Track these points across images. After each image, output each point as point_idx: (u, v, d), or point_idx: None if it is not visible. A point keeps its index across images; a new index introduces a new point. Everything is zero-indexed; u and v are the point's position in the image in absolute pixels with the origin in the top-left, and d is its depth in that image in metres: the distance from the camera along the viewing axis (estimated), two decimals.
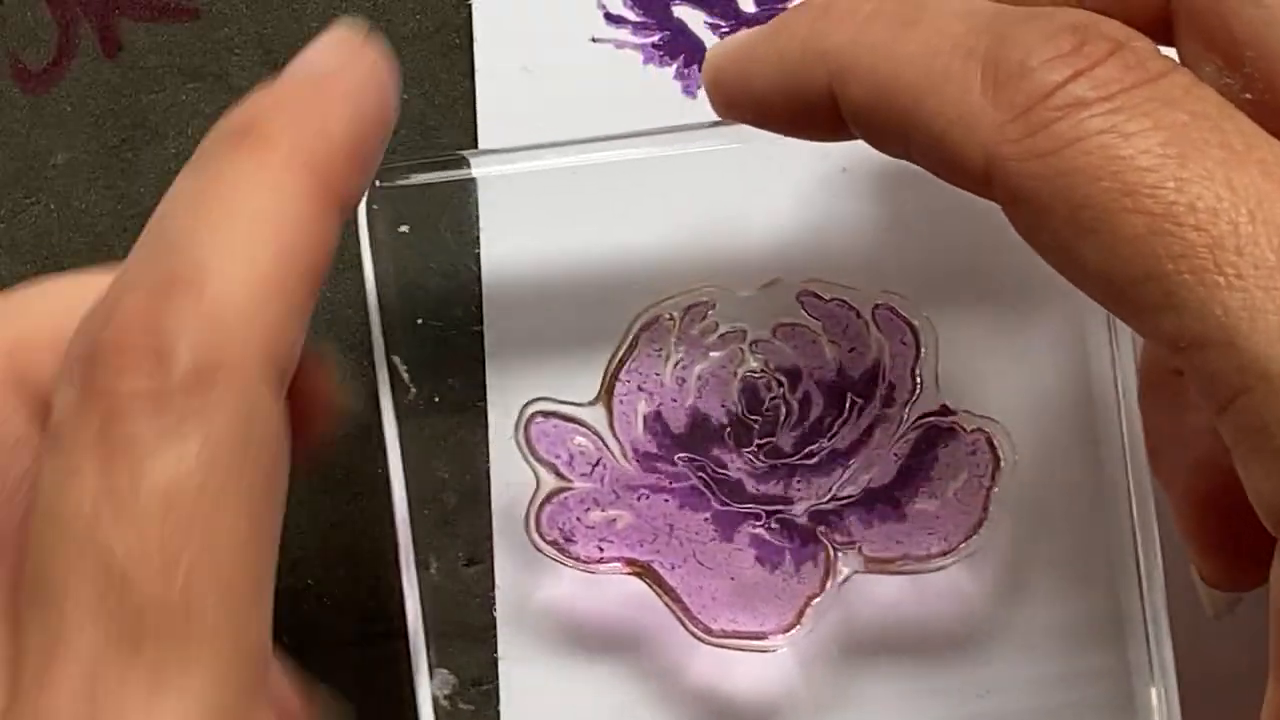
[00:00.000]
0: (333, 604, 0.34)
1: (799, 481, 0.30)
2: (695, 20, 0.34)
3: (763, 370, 0.30)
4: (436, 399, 0.31)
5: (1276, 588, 0.22)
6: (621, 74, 0.34)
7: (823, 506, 0.29)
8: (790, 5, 0.34)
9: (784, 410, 0.30)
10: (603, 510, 0.30)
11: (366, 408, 0.33)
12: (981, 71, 0.23)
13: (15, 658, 0.23)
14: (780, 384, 0.30)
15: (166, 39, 0.35)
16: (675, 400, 0.30)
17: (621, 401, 0.30)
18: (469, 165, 0.30)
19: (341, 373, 0.29)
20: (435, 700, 0.30)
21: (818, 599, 0.29)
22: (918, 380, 0.29)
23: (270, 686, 0.24)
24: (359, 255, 0.30)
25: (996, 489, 0.29)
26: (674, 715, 0.30)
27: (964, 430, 0.29)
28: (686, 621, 0.29)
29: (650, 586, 0.29)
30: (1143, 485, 0.29)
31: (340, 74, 0.26)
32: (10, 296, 0.27)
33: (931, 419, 0.29)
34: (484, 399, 0.31)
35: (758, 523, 0.30)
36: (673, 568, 0.29)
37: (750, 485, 0.30)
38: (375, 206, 0.30)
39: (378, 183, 0.30)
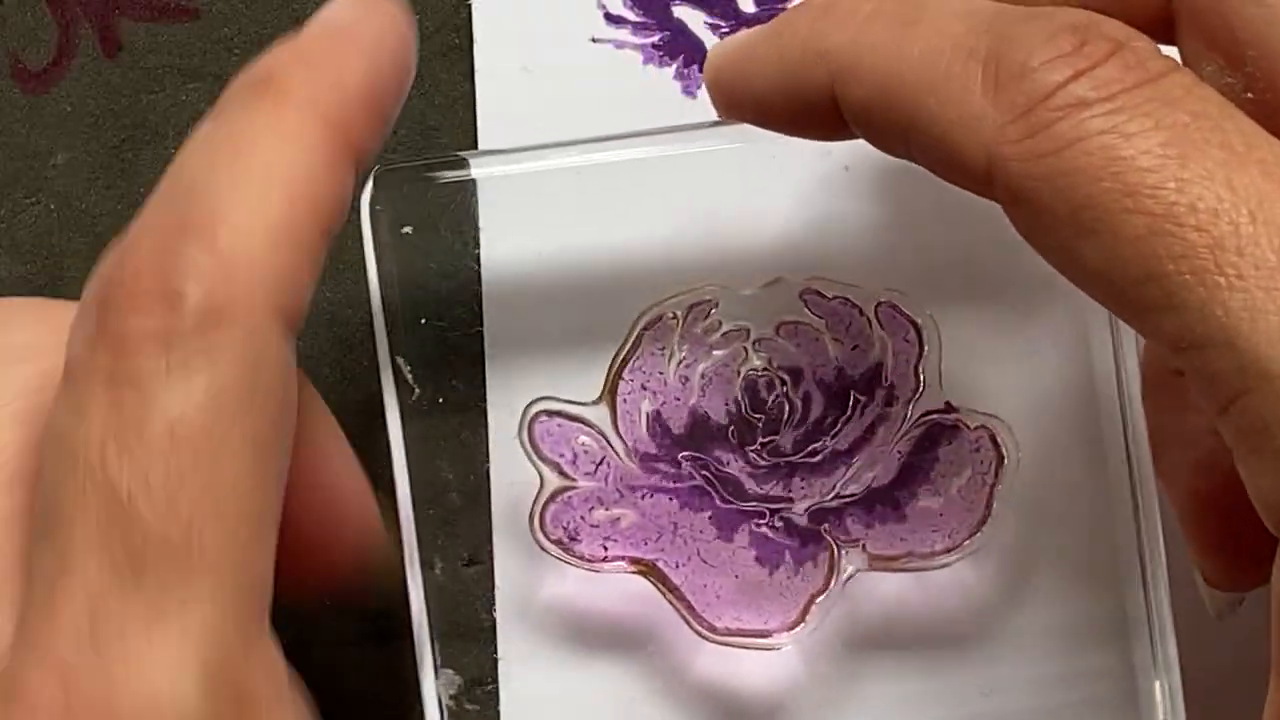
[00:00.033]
0: (334, 604, 0.34)
1: (802, 480, 0.30)
2: (695, 20, 0.35)
3: (766, 368, 0.30)
4: (440, 399, 0.31)
5: (1277, 587, 0.22)
6: (621, 74, 0.34)
7: (826, 504, 0.30)
8: (790, 5, 0.34)
9: (787, 408, 0.30)
10: (607, 509, 0.30)
11: (369, 408, 0.33)
12: (982, 72, 0.23)
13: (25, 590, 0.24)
14: (783, 382, 0.30)
15: (166, 39, 0.35)
16: (679, 399, 0.30)
17: (625, 400, 0.30)
18: (470, 166, 0.31)
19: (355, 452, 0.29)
20: (440, 700, 0.30)
21: (822, 597, 0.29)
22: (921, 378, 0.29)
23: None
24: (362, 256, 0.30)
25: (1000, 486, 0.29)
26: (677, 714, 0.30)
27: (967, 427, 0.29)
28: (691, 620, 0.29)
29: (655, 585, 0.30)
30: (1146, 482, 0.29)
31: (357, 26, 0.27)
32: None
33: (935, 416, 0.29)
34: (486, 399, 0.31)
35: (762, 521, 0.30)
36: (677, 566, 0.30)
37: (753, 483, 0.30)
38: (378, 207, 0.30)
39: (378, 183, 0.30)
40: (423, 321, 0.31)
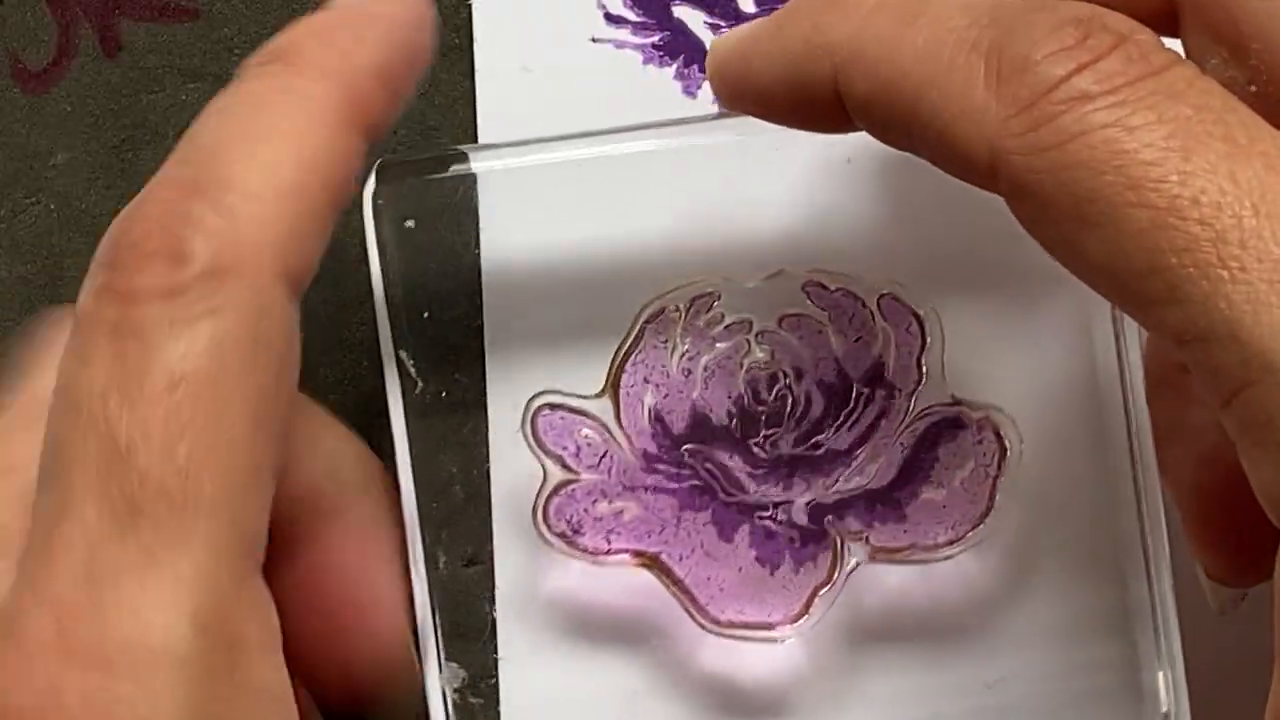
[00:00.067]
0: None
1: (805, 472, 0.30)
2: (695, 20, 0.35)
3: (769, 361, 0.30)
4: (443, 393, 0.31)
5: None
6: (621, 74, 0.34)
7: (829, 497, 0.30)
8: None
9: (790, 401, 0.30)
10: (610, 502, 0.30)
11: (370, 407, 0.33)
12: (985, 65, 0.23)
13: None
14: (786, 375, 0.30)
15: (166, 39, 0.35)
16: (681, 392, 0.30)
17: (628, 393, 0.30)
18: (471, 159, 0.31)
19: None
20: (444, 694, 0.30)
21: (825, 590, 0.29)
22: (923, 370, 0.29)
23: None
24: (361, 254, 0.30)
25: (1003, 478, 0.29)
26: (681, 707, 0.30)
27: (970, 419, 0.29)
28: (694, 612, 0.29)
29: (658, 578, 0.30)
30: (1149, 472, 0.29)
31: (374, 3, 0.27)
32: None
33: (937, 408, 0.29)
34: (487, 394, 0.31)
35: (765, 514, 0.30)
36: (680, 559, 0.30)
37: (756, 476, 0.30)
38: (380, 202, 0.30)
39: (381, 177, 0.30)
40: (426, 315, 0.31)
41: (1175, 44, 0.25)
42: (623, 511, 0.30)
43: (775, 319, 0.30)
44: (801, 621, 0.29)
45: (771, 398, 0.30)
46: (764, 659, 0.30)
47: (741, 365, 0.30)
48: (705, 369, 0.30)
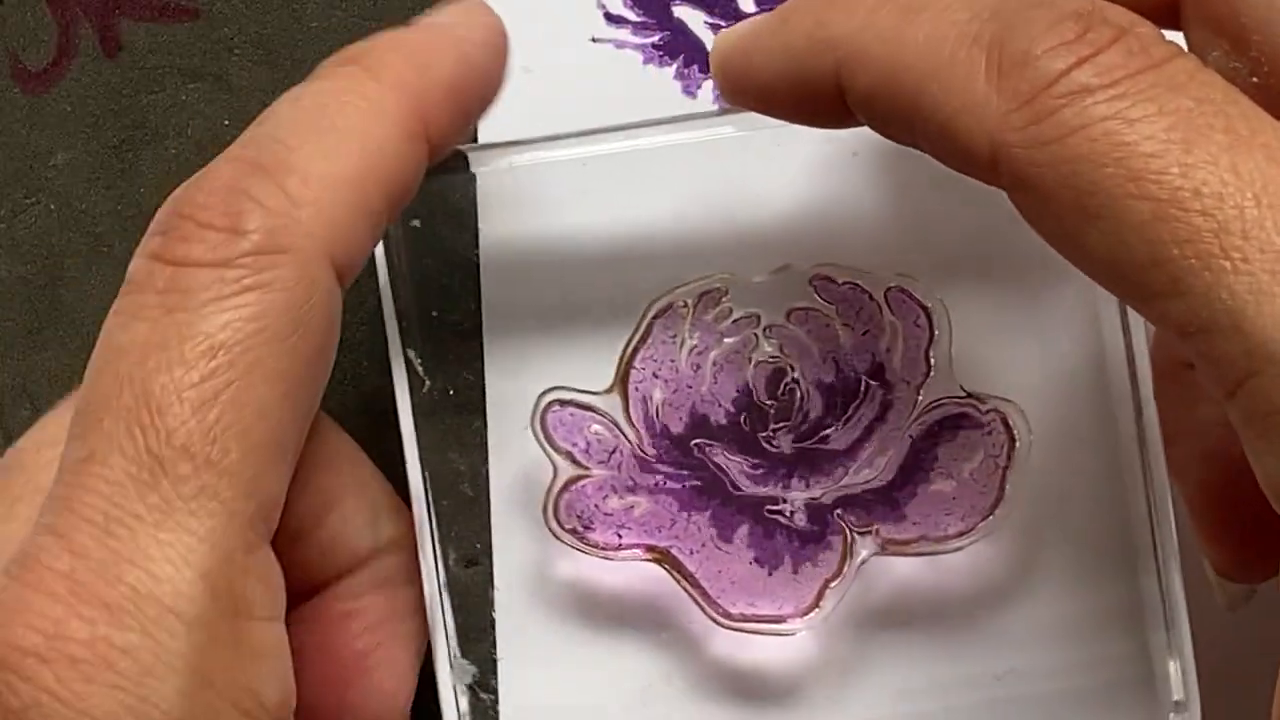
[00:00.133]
0: None
1: (814, 466, 0.30)
2: (695, 20, 0.35)
3: (777, 355, 0.30)
4: (450, 391, 0.31)
5: None
6: (621, 74, 0.34)
7: (839, 490, 0.30)
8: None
9: (799, 395, 0.30)
10: (620, 497, 0.30)
11: (371, 406, 0.33)
12: (986, 59, 0.24)
13: None
14: (794, 369, 0.30)
15: (166, 39, 0.36)
16: (690, 386, 0.30)
17: (637, 389, 0.30)
18: (473, 160, 0.31)
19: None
20: (455, 691, 0.30)
21: (836, 582, 0.29)
22: (931, 362, 0.29)
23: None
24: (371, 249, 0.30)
25: (1012, 469, 0.29)
26: (691, 699, 0.30)
27: (979, 410, 0.29)
28: (705, 606, 0.29)
29: (669, 572, 0.30)
30: (1158, 462, 0.29)
31: (455, 27, 0.28)
32: None
33: (946, 400, 0.29)
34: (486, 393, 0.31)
35: (774, 507, 0.30)
36: (691, 553, 0.30)
37: (765, 470, 0.30)
38: None
39: None
40: (434, 314, 0.31)
41: (1177, 37, 0.25)
42: (633, 506, 0.30)
43: (783, 313, 0.30)
44: (812, 614, 0.29)
45: (780, 392, 0.30)
46: (773, 650, 0.30)
47: (750, 360, 0.30)
48: (714, 364, 0.30)
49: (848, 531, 0.29)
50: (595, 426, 0.30)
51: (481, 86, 0.28)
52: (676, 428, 0.30)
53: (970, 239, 0.30)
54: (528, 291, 0.31)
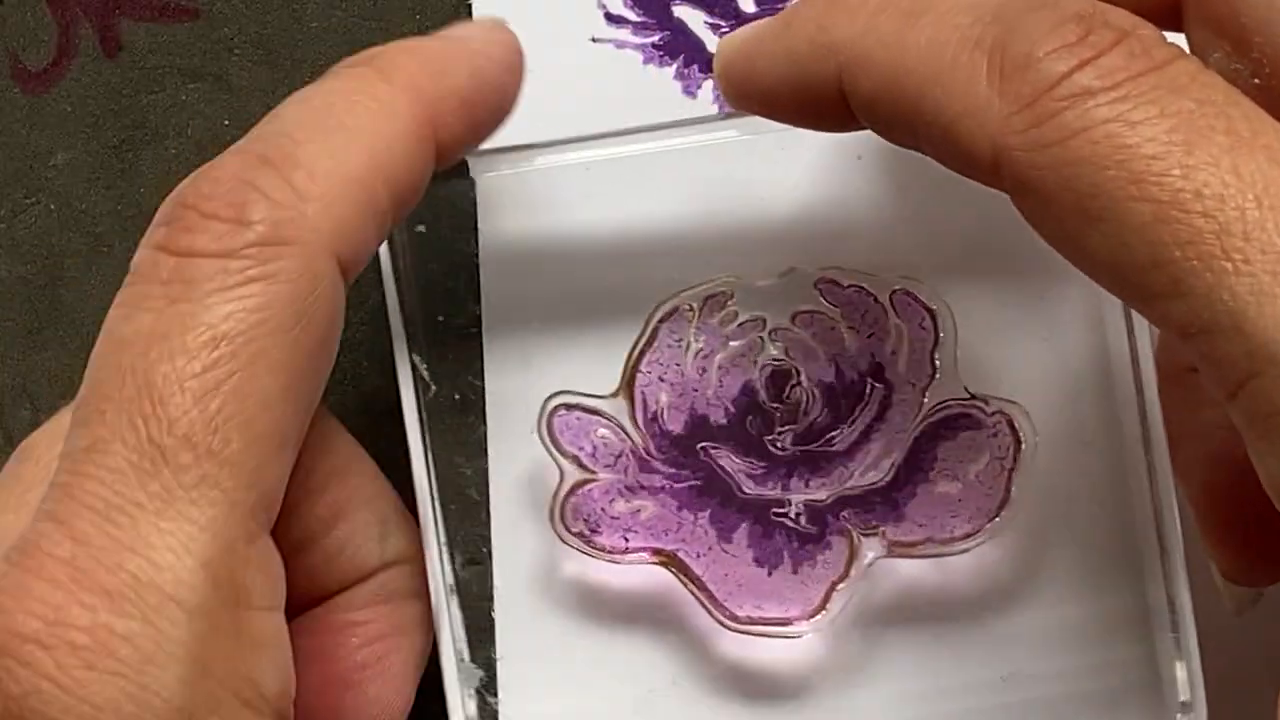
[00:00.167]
0: None
1: (820, 468, 0.30)
2: (695, 20, 0.35)
3: (782, 358, 0.30)
4: (456, 396, 0.31)
5: None
6: (621, 74, 0.34)
7: (845, 493, 0.30)
8: (791, 3, 0.34)
9: (805, 398, 0.30)
10: (627, 501, 0.30)
11: (372, 406, 0.33)
12: (988, 62, 0.24)
13: None
14: (800, 371, 0.30)
15: (166, 39, 0.35)
16: (696, 390, 0.30)
17: (643, 392, 0.30)
18: (477, 164, 0.31)
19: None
20: (463, 695, 0.30)
21: (842, 585, 0.29)
22: (936, 365, 0.30)
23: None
24: (376, 254, 0.30)
25: (1018, 471, 0.29)
26: (697, 700, 0.30)
27: (984, 412, 0.29)
28: (712, 609, 0.30)
29: (676, 575, 0.30)
30: (1163, 462, 0.29)
31: (471, 40, 0.28)
32: None
33: (951, 402, 0.30)
34: (485, 398, 0.31)
35: (781, 510, 0.30)
36: (698, 556, 0.30)
37: (772, 472, 0.30)
38: None
39: None
40: (439, 319, 0.31)
41: (1179, 39, 0.25)
42: (640, 510, 0.30)
43: (788, 316, 0.30)
44: (819, 617, 0.29)
45: (785, 395, 0.30)
46: (780, 651, 0.30)
47: (756, 363, 0.30)
48: (719, 367, 0.30)
49: (853, 534, 0.29)
50: (602, 430, 0.30)
51: (495, 101, 0.28)
52: (683, 431, 0.30)
53: (974, 241, 0.30)
54: (530, 294, 0.31)
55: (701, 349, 0.30)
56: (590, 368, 0.30)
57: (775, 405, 0.30)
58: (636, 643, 0.31)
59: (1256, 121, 0.23)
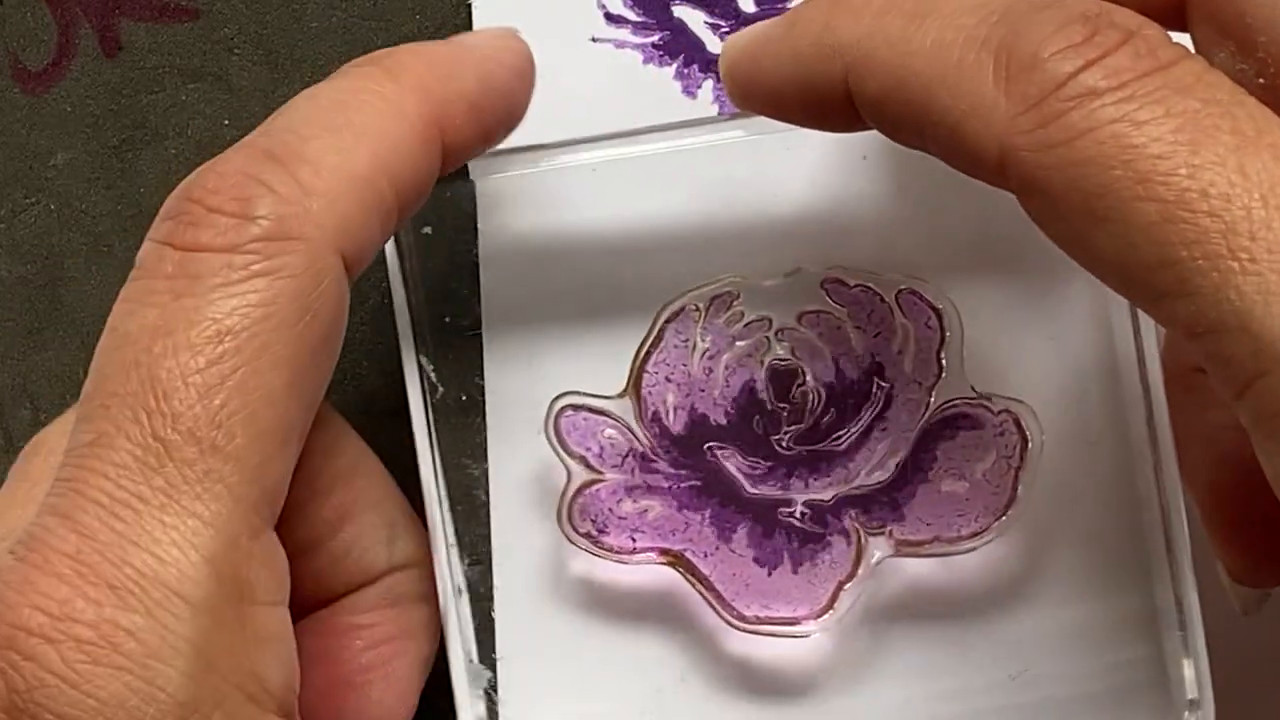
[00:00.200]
0: None
1: (827, 468, 0.30)
2: (695, 20, 0.35)
3: (789, 357, 0.30)
4: (463, 397, 0.31)
5: None
6: (621, 74, 0.34)
7: (852, 492, 0.30)
8: (792, 4, 0.34)
9: (811, 397, 0.30)
10: (634, 501, 0.30)
11: (372, 406, 0.33)
12: (994, 63, 0.24)
13: None
14: (806, 371, 0.30)
15: (166, 39, 0.35)
16: (703, 390, 0.30)
17: (650, 393, 0.30)
18: (479, 166, 0.31)
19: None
20: (470, 695, 0.30)
21: (850, 584, 0.30)
22: (942, 364, 0.30)
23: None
24: (383, 256, 0.30)
25: (1025, 470, 0.29)
26: (705, 697, 0.30)
27: (991, 411, 0.30)
28: (720, 609, 0.30)
29: (683, 575, 0.30)
30: (1170, 463, 0.29)
31: (482, 46, 0.28)
32: None
33: (958, 401, 0.30)
34: (485, 399, 0.31)
35: (788, 510, 0.30)
36: (705, 556, 0.30)
37: (779, 472, 0.30)
38: None
39: None
40: (446, 320, 0.31)
41: (1184, 39, 0.25)
42: (647, 510, 0.30)
43: (795, 316, 0.30)
44: (826, 616, 0.29)
45: (792, 394, 0.30)
46: (787, 649, 0.30)
47: (762, 363, 0.30)
48: (725, 367, 0.30)
49: (860, 533, 0.30)
50: (609, 431, 0.30)
51: (504, 106, 0.28)
52: (690, 431, 0.30)
53: (981, 240, 0.30)
54: (533, 295, 0.31)
55: (708, 349, 0.30)
56: (593, 368, 0.31)
57: (781, 405, 0.30)
58: (644, 641, 0.31)
59: (1262, 121, 0.23)
